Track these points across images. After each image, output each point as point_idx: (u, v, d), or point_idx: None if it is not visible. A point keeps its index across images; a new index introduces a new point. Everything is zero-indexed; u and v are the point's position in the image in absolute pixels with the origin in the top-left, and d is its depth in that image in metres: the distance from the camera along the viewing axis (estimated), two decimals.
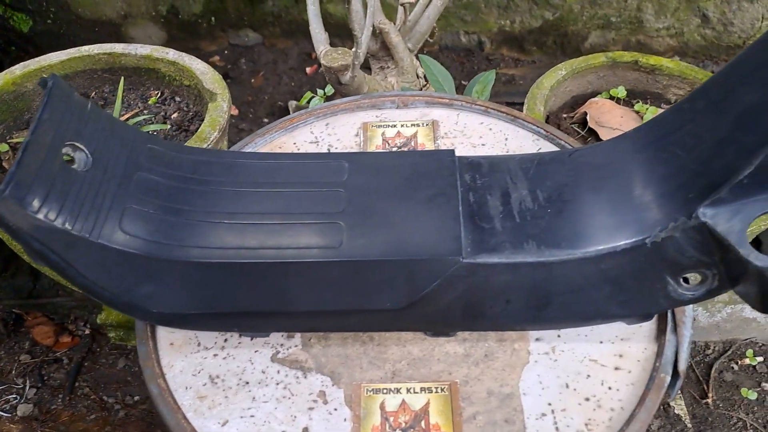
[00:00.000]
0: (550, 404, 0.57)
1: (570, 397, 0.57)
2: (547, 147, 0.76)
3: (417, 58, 1.29)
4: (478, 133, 0.79)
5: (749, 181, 0.48)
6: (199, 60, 1.18)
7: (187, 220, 0.56)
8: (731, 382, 1.31)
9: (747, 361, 1.33)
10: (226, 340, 0.62)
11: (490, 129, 0.79)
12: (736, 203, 0.49)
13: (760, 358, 1.34)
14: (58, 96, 0.53)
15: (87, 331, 1.44)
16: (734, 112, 0.51)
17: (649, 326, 0.62)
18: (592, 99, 1.22)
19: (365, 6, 1.12)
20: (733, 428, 1.25)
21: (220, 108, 1.07)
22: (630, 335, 0.61)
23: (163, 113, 1.18)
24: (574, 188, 0.59)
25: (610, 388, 0.58)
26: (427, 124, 0.79)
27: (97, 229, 0.52)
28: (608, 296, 0.56)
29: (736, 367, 1.34)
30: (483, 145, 0.77)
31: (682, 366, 0.58)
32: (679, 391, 1.31)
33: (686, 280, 0.55)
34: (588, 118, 1.17)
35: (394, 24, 1.22)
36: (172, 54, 1.19)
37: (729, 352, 1.36)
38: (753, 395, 1.28)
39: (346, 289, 0.56)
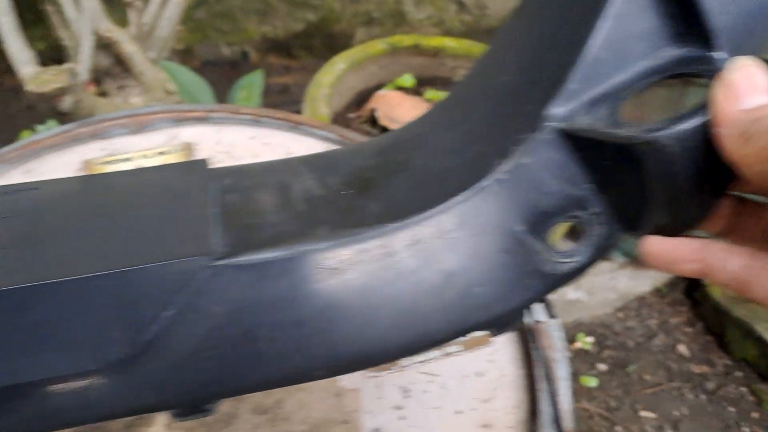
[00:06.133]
0: None
1: None
2: None
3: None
4: (250, 151, 0.58)
5: (604, 54, 0.32)
6: None
7: None
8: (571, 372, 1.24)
9: (579, 344, 1.27)
10: None
11: (266, 144, 0.59)
12: (592, 91, 0.33)
13: (590, 339, 1.28)
14: None
15: None
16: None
17: (512, 375, 0.46)
18: (378, 92, 1.07)
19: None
20: (578, 420, 1.18)
21: None
22: (491, 392, 0.45)
23: None
24: (375, 171, 0.41)
25: None
26: (178, 151, 0.57)
27: None
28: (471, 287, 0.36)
29: (570, 354, 1.27)
30: None
31: (569, 425, 0.43)
32: None
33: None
34: (377, 114, 1.02)
35: (126, 30, 0.97)
36: None
37: None
38: (593, 382, 1.21)
39: (36, 342, 0.31)
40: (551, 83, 0.33)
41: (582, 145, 0.33)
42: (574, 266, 0.34)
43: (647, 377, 1.24)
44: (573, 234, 0.35)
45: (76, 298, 0.32)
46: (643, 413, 1.19)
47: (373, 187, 0.39)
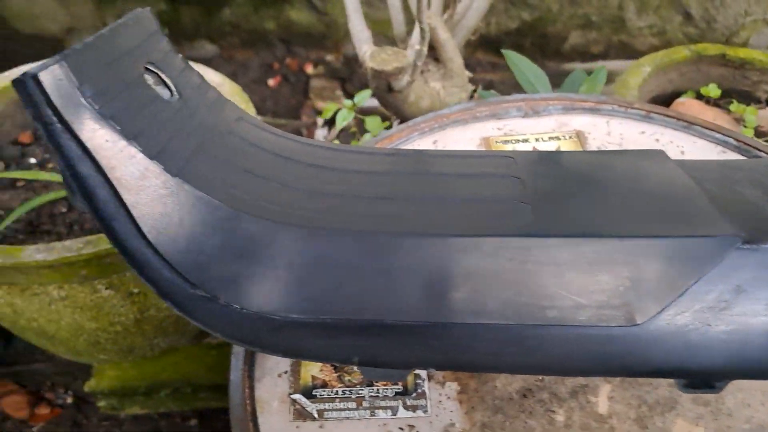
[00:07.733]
0: None
1: None
2: None
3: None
4: (640, 145, 0.58)
5: None
6: (208, 68, 0.96)
7: (305, 189, 0.40)
8: None
9: None
10: (322, 412, 0.40)
11: (657, 140, 0.59)
12: None
13: None
14: (141, 21, 0.45)
15: (69, 400, 1.18)
16: None
17: None
18: (678, 100, 1.04)
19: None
20: None
21: None
22: None
23: None
24: None
25: None
26: (570, 137, 0.58)
27: (174, 161, 0.36)
28: None
29: None
30: None
31: None
32: None
33: None
34: None
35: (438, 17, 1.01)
36: None
37: None
38: None
39: (551, 287, 0.34)
40: None
41: None
42: None
43: None
44: None
45: (604, 255, 0.34)
46: None
47: None
